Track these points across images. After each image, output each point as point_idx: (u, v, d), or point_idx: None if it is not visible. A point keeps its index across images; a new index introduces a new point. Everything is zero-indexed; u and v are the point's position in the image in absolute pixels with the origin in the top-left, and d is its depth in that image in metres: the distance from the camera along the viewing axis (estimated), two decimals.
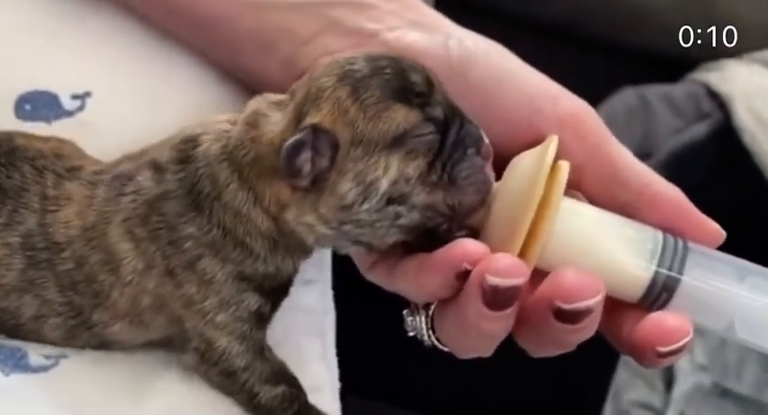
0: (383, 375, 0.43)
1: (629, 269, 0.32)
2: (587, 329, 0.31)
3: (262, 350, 0.37)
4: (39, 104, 0.41)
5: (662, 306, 0.32)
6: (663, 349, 0.31)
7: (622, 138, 1.07)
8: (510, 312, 0.31)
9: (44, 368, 0.36)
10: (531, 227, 0.31)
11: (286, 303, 0.38)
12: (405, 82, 0.33)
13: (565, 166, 0.32)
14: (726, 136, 0.82)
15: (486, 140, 0.34)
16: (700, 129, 0.89)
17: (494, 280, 0.30)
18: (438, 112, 0.33)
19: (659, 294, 0.32)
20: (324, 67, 0.34)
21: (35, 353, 0.36)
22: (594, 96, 0.96)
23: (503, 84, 0.36)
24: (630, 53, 0.96)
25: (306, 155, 0.32)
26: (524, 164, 0.33)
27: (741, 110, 0.87)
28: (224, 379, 0.37)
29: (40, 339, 0.37)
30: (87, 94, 0.41)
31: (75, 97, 0.41)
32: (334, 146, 0.32)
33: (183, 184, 0.35)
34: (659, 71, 0.94)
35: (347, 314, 0.43)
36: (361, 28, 0.38)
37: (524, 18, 0.95)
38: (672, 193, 0.34)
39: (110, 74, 0.42)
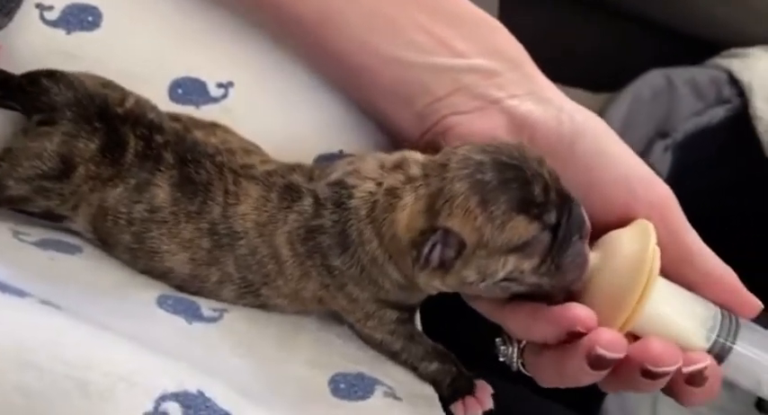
0: None
1: (694, 339, 0.43)
2: (663, 382, 0.42)
3: (412, 336, 0.48)
4: (189, 89, 0.50)
5: None
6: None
7: (646, 117, 1.16)
8: (606, 372, 0.41)
9: (214, 319, 0.46)
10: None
11: None
12: (527, 194, 0.41)
13: (658, 253, 0.43)
14: (742, 123, 0.91)
15: (587, 221, 0.43)
16: (717, 113, 0.97)
17: (601, 351, 0.40)
18: (552, 218, 0.41)
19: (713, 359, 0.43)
20: (458, 168, 0.42)
21: (205, 306, 0.46)
22: (620, 65, 1.05)
23: (604, 162, 0.45)
24: (661, 28, 1.05)
25: (436, 253, 0.41)
26: (627, 246, 0.43)
27: (758, 100, 0.92)
28: (389, 357, 0.48)
29: (215, 297, 0.47)
30: (230, 84, 0.51)
31: (220, 85, 0.51)
32: (462, 245, 0.41)
33: (336, 226, 0.44)
34: (687, 49, 1.03)
35: None
36: (486, 94, 0.48)
37: None
38: (728, 276, 0.45)
39: (252, 67, 0.51)
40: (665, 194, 0.46)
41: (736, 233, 0.92)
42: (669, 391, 0.43)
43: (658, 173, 1.00)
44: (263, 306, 0.47)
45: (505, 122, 0.47)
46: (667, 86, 1.03)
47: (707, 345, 0.44)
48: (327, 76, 0.51)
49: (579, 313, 0.42)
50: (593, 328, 0.41)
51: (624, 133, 1.03)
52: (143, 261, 0.46)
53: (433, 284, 0.44)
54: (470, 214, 0.41)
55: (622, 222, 0.45)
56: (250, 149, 0.48)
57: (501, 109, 0.48)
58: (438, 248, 0.41)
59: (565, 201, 0.42)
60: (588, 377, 0.42)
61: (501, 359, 0.47)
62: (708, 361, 0.42)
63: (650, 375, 0.41)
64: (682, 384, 0.42)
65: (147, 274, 0.47)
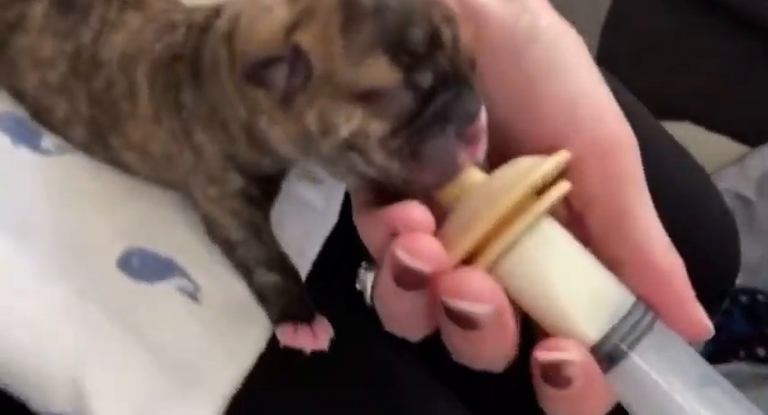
0: None
1: (578, 323, 0.31)
2: (484, 342, 0.31)
3: (259, 232, 0.39)
4: None
5: None
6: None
7: None
8: (415, 295, 0.31)
9: (49, 152, 0.40)
10: (496, 233, 0.31)
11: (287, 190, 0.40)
12: (403, 34, 0.31)
13: (562, 187, 0.31)
14: None
15: (483, 120, 0.33)
16: None
17: (403, 257, 0.30)
18: (425, 80, 0.32)
19: (599, 360, 0.31)
20: None
21: (49, 139, 0.41)
22: None
23: (553, 77, 0.35)
24: None
25: (281, 72, 0.32)
26: (518, 166, 0.32)
27: None
28: (225, 250, 0.40)
29: (65, 138, 0.41)
30: None
31: None
32: (309, 72, 0.32)
33: (194, 51, 0.37)
34: None
35: None
36: None
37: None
38: (670, 267, 0.32)
39: None
40: (617, 134, 0.34)
41: None
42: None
43: None
44: (115, 163, 0.41)
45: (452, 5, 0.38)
46: None
47: (594, 337, 0.31)
48: None
49: (409, 212, 0.31)
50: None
51: (762, 190, 0.89)
52: (4, 74, 0.42)
53: (275, 132, 0.35)
54: (328, 32, 0.32)
55: (551, 150, 0.33)
56: None
57: None
58: (285, 69, 0.32)
59: (457, 75, 0.32)
60: (399, 304, 0.32)
61: (357, 287, 0.37)
62: (574, 356, 0.30)
63: (454, 318, 0.30)
64: (537, 377, 0.31)
65: (9, 92, 0.42)
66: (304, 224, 0.43)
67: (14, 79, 0.41)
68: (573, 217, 0.33)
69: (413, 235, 0.31)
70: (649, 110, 0.55)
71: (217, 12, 0.37)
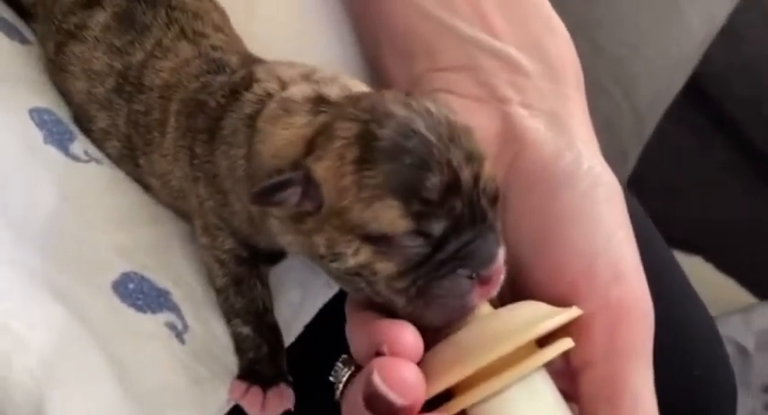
0: None
1: None
2: None
3: (239, 283, 0.39)
4: None
5: None
6: None
7: None
8: None
9: (76, 159, 0.40)
10: (485, 372, 0.30)
11: None
12: (417, 180, 0.30)
13: (564, 344, 0.31)
14: None
15: (500, 259, 0.32)
16: None
17: (378, 383, 0.29)
18: (437, 228, 0.31)
19: None
20: (363, 107, 0.32)
21: (80, 145, 0.41)
22: None
23: (581, 227, 0.34)
24: None
25: (294, 194, 0.31)
26: (527, 311, 0.32)
27: None
28: (215, 294, 0.40)
29: (100, 148, 0.42)
30: None
31: None
32: (321, 202, 0.32)
33: (216, 111, 0.37)
34: None
35: None
36: (496, 87, 0.38)
37: None
38: None
39: None
40: (631, 298, 0.33)
41: None
42: None
43: None
44: (140, 181, 0.41)
45: (498, 126, 0.37)
46: None
47: None
48: (350, 11, 0.44)
49: (401, 333, 0.30)
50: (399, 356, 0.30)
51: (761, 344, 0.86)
52: (57, 73, 0.42)
53: (285, 237, 0.34)
54: (342, 167, 0.31)
55: (563, 303, 0.33)
56: (222, 28, 0.42)
57: (503, 111, 0.37)
58: (297, 190, 0.32)
59: (474, 218, 0.31)
60: None
61: (330, 378, 0.35)
62: None
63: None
64: None
65: (57, 90, 0.43)
66: (306, 288, 0.42)
67: (64, 81, 0.42)
68: (568, 368, 0.33)
69: (396, 362, 0.30)
70: (664, 236, 0.55)
71: (251, 78, 0.36)
